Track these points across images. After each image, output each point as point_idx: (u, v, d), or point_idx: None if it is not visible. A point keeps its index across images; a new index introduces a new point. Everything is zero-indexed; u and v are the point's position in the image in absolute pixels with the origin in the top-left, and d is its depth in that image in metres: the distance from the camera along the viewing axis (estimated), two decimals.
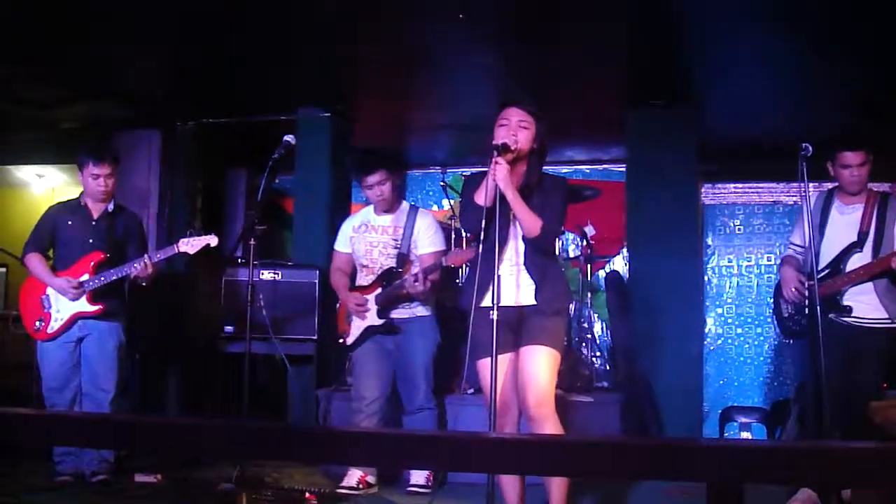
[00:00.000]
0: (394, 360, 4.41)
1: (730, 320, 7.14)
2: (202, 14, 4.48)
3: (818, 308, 3.57)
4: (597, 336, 6.57)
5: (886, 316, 3.80)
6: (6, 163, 7.66)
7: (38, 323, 4.27)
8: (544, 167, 3.36)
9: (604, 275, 7.01)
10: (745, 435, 6.10)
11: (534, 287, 3.24)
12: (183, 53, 5.24)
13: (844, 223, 3.92)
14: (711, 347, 7.05)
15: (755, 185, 7.18)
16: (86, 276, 4.24)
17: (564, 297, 3.39)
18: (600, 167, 7.43)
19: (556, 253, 3.84)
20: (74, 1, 4.30)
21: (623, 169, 6.61)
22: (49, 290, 4.28)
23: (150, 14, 4.49)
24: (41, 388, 4.33)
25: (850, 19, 4.23)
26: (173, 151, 6.28)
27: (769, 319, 6.66)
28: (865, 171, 3.87)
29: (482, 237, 3.24)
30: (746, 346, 7.07)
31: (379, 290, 4.35)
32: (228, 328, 5.29)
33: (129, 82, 5.70)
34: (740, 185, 7.22)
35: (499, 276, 3.09)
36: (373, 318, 4.37)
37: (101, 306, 4.26)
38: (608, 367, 6.03)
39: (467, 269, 4.68)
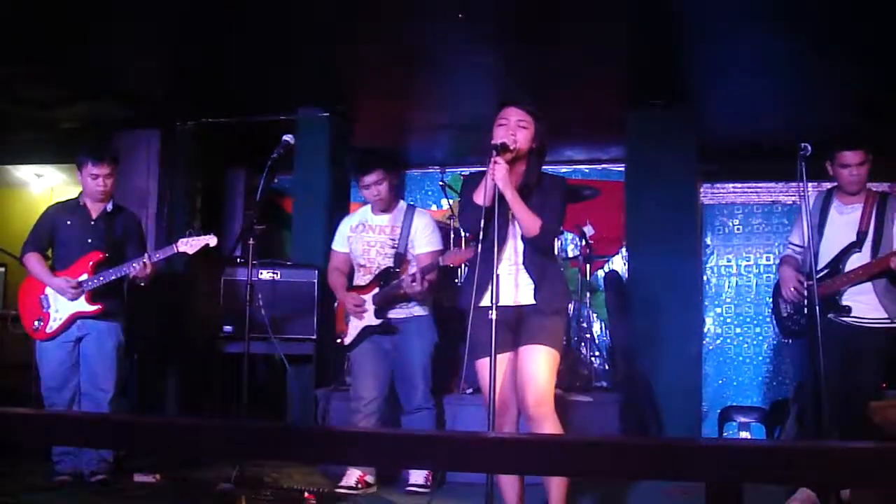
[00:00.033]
0: (391, 360, 4.41)
1: (729, 320, 7.14)
2: (202, 14, 4.48)
3: (817, 308, 3.57)
4: (596, 336, 6.57)
5: (886, 316, 3.80)
6: (5, 162, 7.65)
7: (36, 322, 4.27)
8: (543, 167, 3.36)
9: (603, 274, 7.00)
10: (744, 435, 6.10)
11: (533, 287, 3.24)
12: (183, 53, 5.24)
13: (843, 223, 3.92)
14: (710, 347, 7.05)
15: (754, 184, 7.18)
16: (84, 276, 4.24)
17: (563, 296, 3.39)
18: (599, 167, 7.43)
19: (556, 252, 3.84)
20: (74, 1, 4.30)
21: (622, 169, 6.61)
22: (48, 290, 4.28)
23: (150, 14, 4.49)
24: (40, 387, 4.33)
25: (850, 19, 4.22)
26: (172, 151, 6.28)
27: (768, 319, 6.66)
28: (864, 171, 3.87)
29: (481, 237, 3.24)
30: (745, 345, 7.07)
31: (376, 290, 4.35)
32: (227, 328, 5.29)
33: (128, 82, 5.70)
34: (739, 185, 7.22)
35: (498, 276, 3.09)
36: (370, 318, 4.37)
37: (99, 306, 4.25)
38: (607, 367, 6.03)
39: (466, 268, 4.69)
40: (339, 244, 4.57)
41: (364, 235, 4.46)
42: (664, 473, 1.22)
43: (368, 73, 5.52)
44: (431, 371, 4.40)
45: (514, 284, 3.25)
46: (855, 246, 3.86)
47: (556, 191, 3.30)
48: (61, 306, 4.25)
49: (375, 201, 4.41)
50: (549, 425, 3.16)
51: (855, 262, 3.85)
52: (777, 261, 5.05)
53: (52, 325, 4.24)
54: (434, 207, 7.48)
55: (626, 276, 6.28)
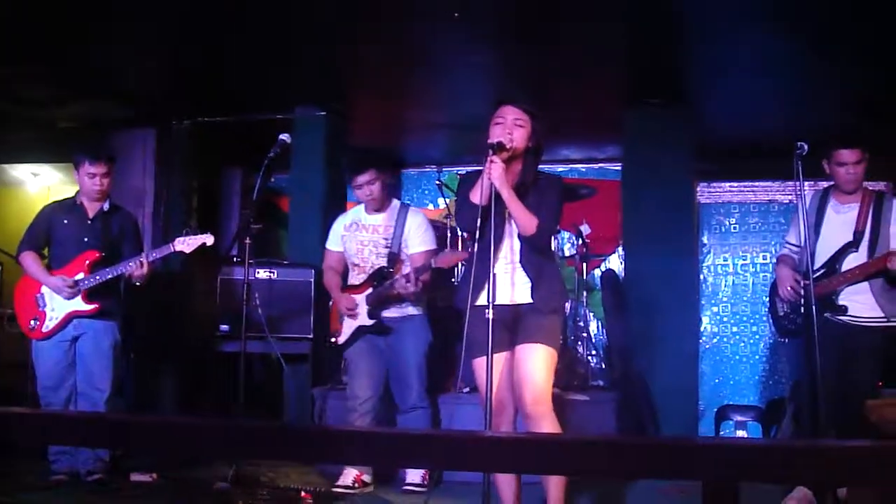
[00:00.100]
0: (386, 360, 4.41)
1: (725, 319, 7.14)
2: (202, 14, 4.47)
3: (814, 307, 3.58)
4: (593, 335, 6.57)
5: (882, 315, 3.80)
6: (1, 161, 7.62)
7: (32, 322, 4.26)
8: (540, 166, 3.36)
9: (599, 273, 7.01)
10: (741, 433, 6.10)
11: (530, 285, 3.23)
12: (182, 53, 5.23)
13: (840, 222, 3.91)
14: (707, 346, 7.06)
15: (750, 183, 7.19)
16: (81, 275, 4.23)
17: (560, 295, 3.39)
18: (596, 166, 7.43)
19: (552, 251, 3.85)
20: (74, 1, 4.29)
21: (619, 168, 6.61)
22: (44, 289, 4.27)
23: (150, 14, 4.49)
24: (36, 387, 4.32)
25: (850, 19, 4.22)
26: (169, 150, 6.27)
27: (765, 318, 6.66)
28: (861, 170, 3.86)
29: (478, 235, 3.24)
30: (742, 344, 7.08)
31: (370, 290, 4.34)
32: (224, 327, 5.28)
33: (128, 82, 5.69)
34: (736, 184, 7.23)
35: (494, 275, 3.09)
36: (364, 318, 4.36)
37: (96, 305, 4.25)
38: (604, 366, 6.04)
39: (462, 267, 4.68)
40: (333, 243, 4.56)
41: (357, 235, 4.45)
42: (661, 472, 1.22)
43: (366, 72, 5.51)
44: (427, 370, 4.40)
45: (510, 283, 3.25)
46: (851, 245, 3.85)
47: (553, 189, 3.30)
48: (57, 305, 4.24)
49: (368, 201, 4.41)
50: (547, 424, 3.16)
51: (851, 261, 3.84)
52: (773, 260, 5.05)
53: (49, 325, 4.24)
54: (431, 206, 7.48)
55: (623, 274, 6.28)
